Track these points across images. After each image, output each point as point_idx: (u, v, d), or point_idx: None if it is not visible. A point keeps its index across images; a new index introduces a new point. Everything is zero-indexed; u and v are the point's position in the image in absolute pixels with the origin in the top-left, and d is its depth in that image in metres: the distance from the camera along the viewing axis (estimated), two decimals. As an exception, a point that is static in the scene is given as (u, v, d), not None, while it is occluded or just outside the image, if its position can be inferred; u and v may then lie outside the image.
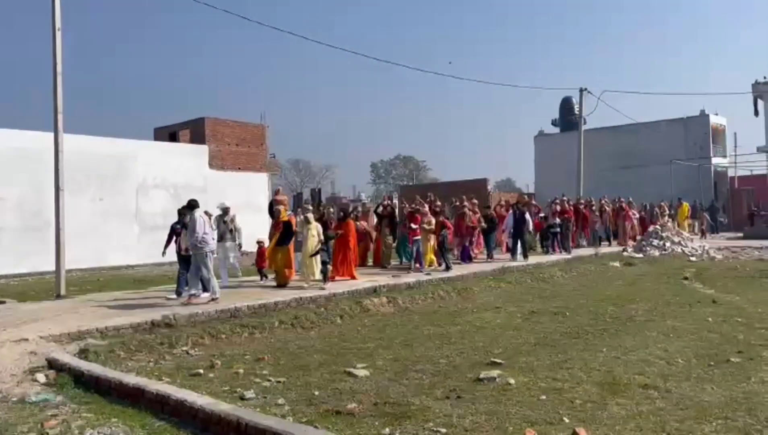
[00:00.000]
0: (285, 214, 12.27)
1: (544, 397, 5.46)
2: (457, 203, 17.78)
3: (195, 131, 25.64)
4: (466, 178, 38.55)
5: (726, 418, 4.82)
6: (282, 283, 11.85)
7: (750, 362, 6.56)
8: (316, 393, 5.73)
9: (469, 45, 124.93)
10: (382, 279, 12.52)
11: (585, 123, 31.56)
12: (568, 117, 43.69)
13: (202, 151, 24.51)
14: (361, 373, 6.43)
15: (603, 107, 30.40)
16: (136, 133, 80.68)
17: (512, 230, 16.93)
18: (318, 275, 11.82)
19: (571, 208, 20.40)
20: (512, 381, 5.93)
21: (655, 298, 11.50)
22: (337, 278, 12.42)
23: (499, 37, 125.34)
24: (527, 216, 17.15)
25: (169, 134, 26.72)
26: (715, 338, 7.86)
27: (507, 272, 14.86)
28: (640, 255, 20.12)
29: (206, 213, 10.81)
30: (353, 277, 12.72)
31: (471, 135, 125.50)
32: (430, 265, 14.72)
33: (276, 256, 11.95)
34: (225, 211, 12.20)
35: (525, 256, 16.64)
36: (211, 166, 24.58)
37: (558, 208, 19.26)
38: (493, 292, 12.79)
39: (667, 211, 25.35)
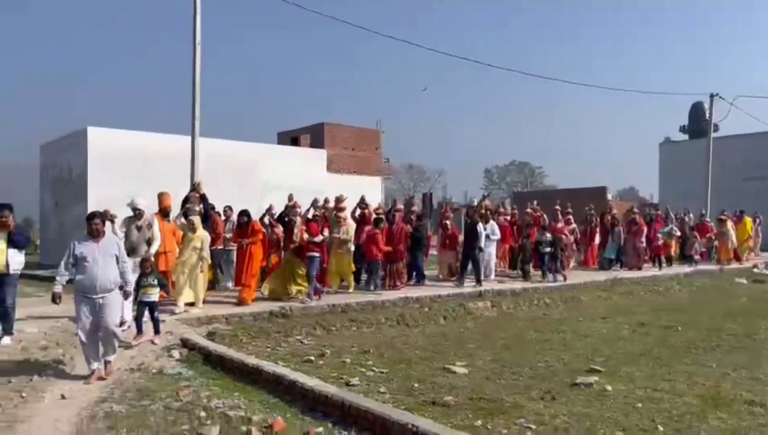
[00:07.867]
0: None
1: (640, 405, 5.47)
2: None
3: (315, 136, 26.98)
4: (584, 186, 37.46)
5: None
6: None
7: None
8: (416, 385, 6.09)
9: (586, 46, 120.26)
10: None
11: (717, 130, 29.62)
12: (698, 123, 41.04)
13: (321, 155, 25.67)
14: (460, 370, 6.71)
15: (738, 113, 28.12)
16: (257, 136, 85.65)
17: (462, 247, 13.37)
18: (189, 298, 9.29)
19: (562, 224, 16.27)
20: (609, 388, 5.97)
21: (781, 317, 10.78)
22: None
23: (617, 39, 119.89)
24: (479, 228, 12.83)
25: (291, 138, 28.33)
26: (843, 362, 7.34)
27: (618, 283, 14.46)
28: (774, 272, 18.69)
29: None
30: (244, 301, 9.84)
31: (590, 141, 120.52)
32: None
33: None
34: (137, 212, 8.69)
35: (478, 280, 12.62)
36: (329, 169, 25.63)
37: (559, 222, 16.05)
38: (602, 302, 12.53)
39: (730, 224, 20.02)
